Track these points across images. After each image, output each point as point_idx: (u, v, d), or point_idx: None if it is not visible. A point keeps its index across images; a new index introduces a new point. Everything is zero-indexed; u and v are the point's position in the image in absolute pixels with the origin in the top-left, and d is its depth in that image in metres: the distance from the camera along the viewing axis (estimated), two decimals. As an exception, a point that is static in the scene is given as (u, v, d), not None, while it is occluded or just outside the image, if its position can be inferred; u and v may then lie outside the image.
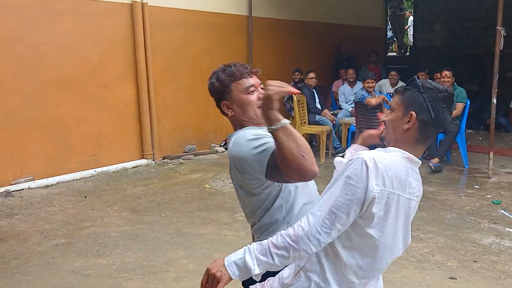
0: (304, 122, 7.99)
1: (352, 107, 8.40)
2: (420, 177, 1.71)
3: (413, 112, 1.63)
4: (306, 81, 8.40)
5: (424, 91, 1.63)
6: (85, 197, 5.69)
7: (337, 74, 10.01)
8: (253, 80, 2.00)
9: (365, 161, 1.51)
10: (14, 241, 4.41)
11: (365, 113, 7.13)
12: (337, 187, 1.53)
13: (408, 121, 1.63)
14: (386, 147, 1.72)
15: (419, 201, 1.72)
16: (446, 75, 7.16)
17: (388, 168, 1.55)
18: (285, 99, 8.83)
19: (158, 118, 7.42)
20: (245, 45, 8.76)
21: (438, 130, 1.67)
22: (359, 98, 7.16)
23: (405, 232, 1.71)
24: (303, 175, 1.55)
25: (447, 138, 6.92)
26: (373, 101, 7.04)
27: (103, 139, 6.85)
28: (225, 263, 1.58)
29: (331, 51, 10.71)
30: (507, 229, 4.57)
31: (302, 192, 1.96)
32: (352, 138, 7.84)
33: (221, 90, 1.99)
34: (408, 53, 13.86)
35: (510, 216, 4.92)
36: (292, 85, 8.78)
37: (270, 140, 1.68)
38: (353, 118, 7.93)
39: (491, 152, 6.33)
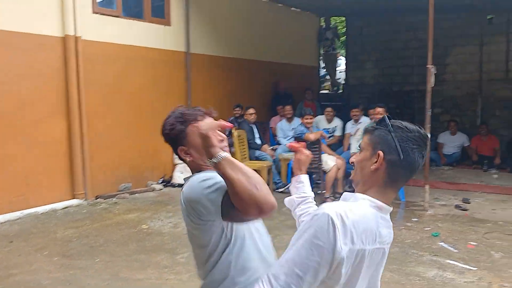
0: (245, 158, 7.94)
1: (291, 143, 8.45)
2: (391, 223, 1.60)
3: (380, 152, 1.53)
4: (245, 117, 8.40)
5: (393, 130, 1.54)
6: (11, 241, 5.24)
7: (274, 110, 10.09)
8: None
9: (331, 219, 1.37)
10: None
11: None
12: (302, 247, 1.38)
13: (376, 161, 1.54)
14: (354, 190, 1.61)
15: (389, 246, 1.60)
16: (379, 111, 7.39)
17: (357, 222, 1.42)
18: (226, 133, 8.78)
19: (90, 155, 7.06)
20: (184, 81, 8.65)
21: (409, 174, 1.55)
22: (299, 134, 7.21)
23: (372, 282, 1.60)
24: (260, 208, 1.46)
25: (384, 172, 7.06)
26: (312, 136, 7.12)
27: (32, 179, 6.41)
28: None
29: (268, 88, 10.83)
30: (447, 261, 4.64)
31: (256, 249, 1.82)
32: (291, 173, 7.85)
33: (174, 136, 1.89)
34: (341, 91, 14.29)
35: (449, 248, 5.02)
36: (232, 120, 8.88)
37: (223, 180, 1.58)
38: (292, 153, 7.96)
39: (426, 185, 6.52)
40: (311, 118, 7.41)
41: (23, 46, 6.27)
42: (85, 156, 6.94)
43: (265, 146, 8.32)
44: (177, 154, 1.92)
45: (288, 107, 9.00)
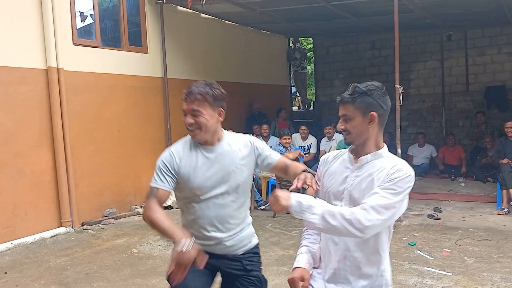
0: (225, 179, 8.18)
1: (268, 162, 8.75)
2: None
3: (373, 113, 2.02)
4: (224, 139, 8.66)
5: (371, 93, 2.03)
6: (5, 272, 5.32)
7: (249, 130, 10.39)
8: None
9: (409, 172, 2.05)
10: None
11: (284, 167, 7.49)
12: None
13: (370, 122, 2.03)
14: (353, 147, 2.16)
15: None
16: None
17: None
18: None
19: (75, 183, 7.19)
20: (162, 105, 8.88)
21: (387, 117, 2.12)
22: (278, 153, 7.53)
23: None
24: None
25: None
26: (290, 156, 7.46)
27: (19, 209, 6.50)
28: (291, 196, 1.98)
29: (243, 108, 11.14)
30: (426, 268, 5.00)
31: None
32: (271, 191, 8.13)
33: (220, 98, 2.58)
34: (311, 108, 14.74)
35: (426, 256, 5.39)
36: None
37: None
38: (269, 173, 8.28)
39: (400, 197, 6.90)
40: (288, 138, 7.77)
41: (7, 79, 6.39)
42: (70, 185, 7.06)
43: (244, 166, 8.58)
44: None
45: (264, 126, 9.33)
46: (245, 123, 10.93)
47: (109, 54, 7.91)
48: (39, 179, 6.79)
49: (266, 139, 9.32)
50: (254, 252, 2.71)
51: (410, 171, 2.01)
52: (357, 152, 2.12)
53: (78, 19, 7.46)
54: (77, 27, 7.38)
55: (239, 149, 2.59)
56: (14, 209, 6.44)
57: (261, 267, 2.72)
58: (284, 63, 13.52)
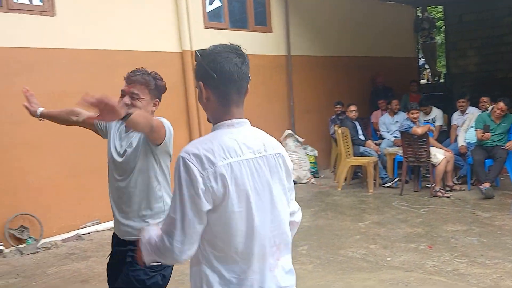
0: (349, 155, 8.16)
1: (394, 137, 8.56)
2: (258, 134, 1.76)
3: (200, 82, 1.66)
4: (347, 114, 8.62)
5: (202, 59, 1.65)
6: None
7: (374, 105, 10.19)
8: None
9: (182, 158, 1.62)
10: (96, 282, 4.68)
11: (412, 142, 7.30)
12: (173, 196, 1.69)
13: (202, 94, 1.66)
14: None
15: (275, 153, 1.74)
16: (502, 107, 7.15)
17: (210, 147, 1.61)
18: (332, 132, 9.07)
19: (208, 158, 7.70)
20: (285, 82, 9.09)
21: (232, 85, 1.66)
22: (405, 128, 7.34)
23: (267, 188, 1.70)
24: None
25: (496, 163, 7.00)
26: (419, 130, 7.22)
27: (160, 182, 7.16)
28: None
29: (366, 83, 10.94)
30: None
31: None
32: (399, 168, 7.97)
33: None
34: (442, 80, 13.99)
35: None
36: (334, 118, 9.09)
37: None
38: (397, 147, 8.09)
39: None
40: (416, 113, 7.51)
41: (147, 62, 6.88)
42: (204, 159, 7.59)
43: (369, 142, 8.45)
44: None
45: (394, 101, 9.06)
46: (370, 98, 10.73)
47: (237, 35, 8.26)
48: (177, 155, 7.37)
49: (392, 114, 9.07)
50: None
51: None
52: None
53: (208, 2, 7.89)
54: (207, 11, 7.81)
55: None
56: (157, 181, 7.11)
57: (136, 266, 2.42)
58: (411, 34, 12.93)
